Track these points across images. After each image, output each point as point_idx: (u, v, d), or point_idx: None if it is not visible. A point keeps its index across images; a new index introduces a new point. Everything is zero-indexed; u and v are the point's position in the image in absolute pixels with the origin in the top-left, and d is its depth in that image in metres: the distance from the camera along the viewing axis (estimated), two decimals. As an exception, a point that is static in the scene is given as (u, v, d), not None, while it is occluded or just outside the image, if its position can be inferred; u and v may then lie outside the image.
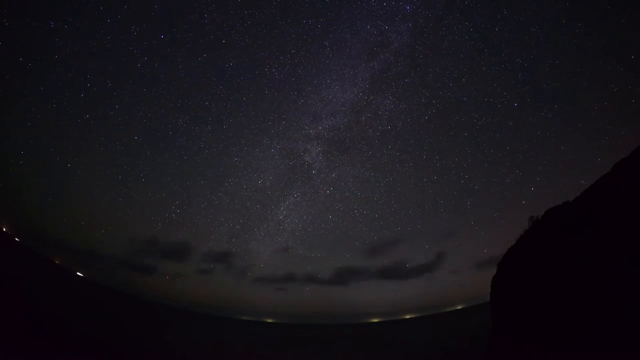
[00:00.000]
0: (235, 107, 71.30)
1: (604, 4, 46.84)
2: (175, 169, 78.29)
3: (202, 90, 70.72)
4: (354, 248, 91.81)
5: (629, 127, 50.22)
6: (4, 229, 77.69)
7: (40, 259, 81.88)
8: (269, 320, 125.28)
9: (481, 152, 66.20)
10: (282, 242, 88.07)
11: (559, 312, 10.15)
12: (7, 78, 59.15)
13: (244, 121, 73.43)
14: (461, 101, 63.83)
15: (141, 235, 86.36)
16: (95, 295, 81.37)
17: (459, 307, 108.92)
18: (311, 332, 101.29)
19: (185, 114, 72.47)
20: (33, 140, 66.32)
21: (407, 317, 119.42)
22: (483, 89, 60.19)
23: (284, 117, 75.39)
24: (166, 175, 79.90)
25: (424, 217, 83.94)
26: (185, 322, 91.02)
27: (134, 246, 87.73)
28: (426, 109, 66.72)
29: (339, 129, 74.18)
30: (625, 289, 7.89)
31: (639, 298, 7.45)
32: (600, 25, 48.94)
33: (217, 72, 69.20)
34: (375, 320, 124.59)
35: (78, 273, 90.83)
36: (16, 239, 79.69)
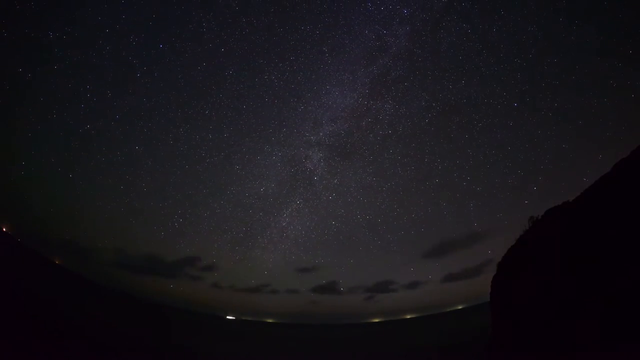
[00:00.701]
0: (235, 115, 71.65)
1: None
2: (176, 178, 78.40)
3: (202, 99, 70.99)
4: (357, 253, 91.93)
5: (629, 122, 50.32)
6: (4, 229, 77.80)
7: (41, 259, 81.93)
8: (269, 321, 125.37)
9: (482, 153, 66.21)
10: (286, 249, 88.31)
11: (558, 312, 10.14)
12: (7, 89, 59.45)
13: (244, 129, 73.72)
14: (461, 103, 63.81)
15: (144, 243, 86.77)
16: (96, 296, 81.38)
17: (459, 307, 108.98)
18: (311, 332, 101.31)
19: (186, 123, 72.66)
20: (34, 150, 66.63)
21: (408, 317, 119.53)
22: (482, 90, 60.22)
23: (285, 124, 75.56)
24: (168, 184, 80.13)
25: (427, 221, 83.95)
26: (185, 322, 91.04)
27: (136, 253, 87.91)
28: (426, 112, 66.93)
29: (340, 135, 74.16)
30: (625, 289, 7.88)
31: (638, 298, 7.45)
32: (597, 21, 49.16)
33: (217, 80, 69.56)
34: (376, 320, 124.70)
35: (78, 273, 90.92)
36: (18, 239, 79.87)
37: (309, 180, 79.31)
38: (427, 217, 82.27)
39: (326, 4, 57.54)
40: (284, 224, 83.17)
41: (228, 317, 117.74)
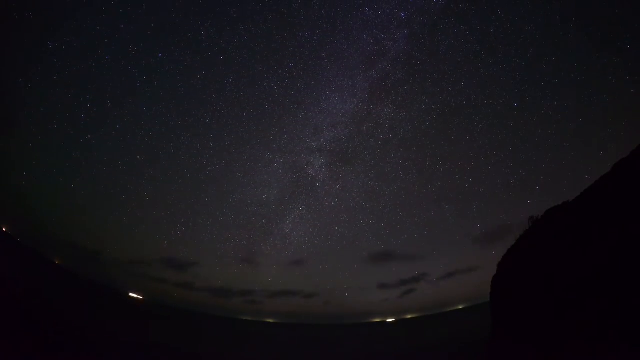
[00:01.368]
0: (236, 123, 71.60)
1: (598, -5, 47.17)
2: (179, 186, 78.67)
3: (202, 107, 71.20)
4: (361, 258, 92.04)
5: (629, 117, 50.46)
6: (4, 229, 77.85)
7: (41, 259, 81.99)
8: (269, 321, 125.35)
9: (484, 154, 66.14)
10: (289, 256, 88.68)
11: (558, 312, 10.15)
12: (7, 99, 59.78)
13: (245, 136, 73.94)
14: (461, 105, 63.87)
15: (147, 252, 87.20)
16: (96, 296, 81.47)
17: (459, 307, 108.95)
18: (312, 332, 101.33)
19: (187, 132, 72.92)
20: (35, 161, 66.80)
21: (409, 317, 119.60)
22: (482, 92, 60.30)
23: (286, 130, 75.49)
24: (170, 193, 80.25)
25: (430, 224, 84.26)
26: (185, 322, 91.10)
27: (139, 261, 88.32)
28: (427, 115, 66.90)
29: (341, 140, 74.02)
30: (625, 289, 7.88)
31: (639, 298, 7.45)
32: (594, 17, 49.32)
33: (217, 88, 69.61)
34: (377, 320, 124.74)
35: (78, 273, 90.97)
36: (18, 239, 79.93)
37: (311, 187, 79.44)
38: (430, 219, 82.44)
39: (324, 9, 58.01)
40: (287, 230, 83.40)
41: (228, 317, 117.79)
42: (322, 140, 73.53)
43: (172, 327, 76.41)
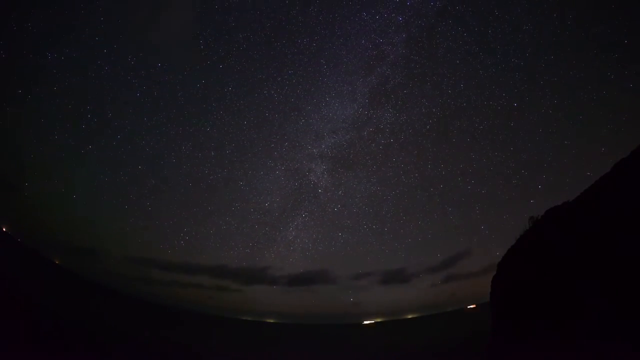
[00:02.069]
0: (237, 131, 71.55)
1: (593, -8, 47.16)
2: (181, 196, 78.83)
3: (202, 117, 71.49)
4: (365, 263, 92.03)
5: (629, 113, 50.48)
6: (4, 229, 77.80)
7: (41, 259, 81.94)
8: (270, 321, 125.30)
9: (485, 155, 66.07)
10: (293, 263, 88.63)
11: (558, 312, 10.15)
12: (7, 110, 59.76)
13: (246, 145, 74.17)
14: (461, 107, 63.93)
15: (150, 261, 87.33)
16: (96, 296, 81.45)
17: (459, 307, 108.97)
18: (312, 332, 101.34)
19: (188, 141, 73.02)
20: (36, 172, 66.97)
21: (409, 316, 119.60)
22: (482, 93, 60.32)
23: (286, 138, 75.76)
24: (173, 202, 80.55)
25: (434, 227, 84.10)
26: (185, 322, 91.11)
27: (141, 268, 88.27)
28: (427, 118, 66.87)
29: (342, 146, 74.34)
30: (626, 289, 7.88)
31: (639, 298, 7.45)
32: (591, 14, 49.33)
33: (217, 97, 69.76)
34: (378, 320, 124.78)
35: (78, 273, 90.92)
36: (18, 239, 79.83)
37: (314, 193, 79.40)
38: (434, 222, 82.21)
39: (322, 15, 58.07)
40: (290, 237, 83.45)
41: (227, 317, 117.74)
42: (323, 146, 73.90)
43: (172, 327, 76.43)
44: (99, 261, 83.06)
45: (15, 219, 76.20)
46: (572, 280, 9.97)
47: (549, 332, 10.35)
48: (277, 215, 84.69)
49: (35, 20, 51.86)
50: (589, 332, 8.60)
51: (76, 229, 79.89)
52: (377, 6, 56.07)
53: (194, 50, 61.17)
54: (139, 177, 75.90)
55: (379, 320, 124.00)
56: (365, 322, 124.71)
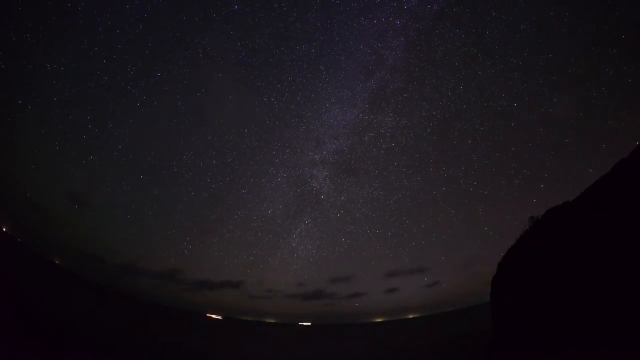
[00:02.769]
0: (238, 140, 71.16)
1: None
2: (183, 205, 78.41)
3: (203, 125, 71.32)
4: (369, 268, 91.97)
5: (629, 108, 50.48)
6: (4, 229, 77.74)
7: (41, 259, 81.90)
8: (270, 321, 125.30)
9: (487, 157, 65.89)
10: (297, 269, 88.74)
11: (558, 313, 10.15)
12: (8, 121, 59.78)
13: (248, 153, 73.85)
14: (461, 109, 63.70)
15: (154, 270, 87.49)
16: (96, 296, 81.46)
17: (459, 307, 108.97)
18: (312, 332, 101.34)
19: (189, 150, 72.79)
20: (38, 183, 66.90)
21: (410, 316, 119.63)
22: (481, 94, 60.18)
23: (288, 145, 75.29)
24: (175, 212, 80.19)
25: (437, 230, 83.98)
26: (185, 322, 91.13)
27: (145, 275, 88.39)
28: (427, 121, 66.75)
29: (344, 152, 73.61)
30: (626, 289, 7.88)
31: (639, 298, 7.45)
32: (587, 10, 49.31)
33: (217, 105, 69.83)
34: (379, 320, 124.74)
35: (78, 273, 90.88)
36: (18, 239, 79.79)
37: (316, 199, 79.13)
38: (437, 225, 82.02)
39: (320, 22, 58.09)
40: (293, 244, 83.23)
41: (227, 317, 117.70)
42: (324, 152, 73.19)
43: (172, 327, 76.45)
44: (102, 266, 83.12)
45: (15, 219, 76.31)
46: (572, 280, 9.97)
47: (549, 332, 10.35)
48: (280, 222, 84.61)
49: (34, 30, 52.08)
50: (588, 332, 8.60)
51: (79, 235, 79.94)
52: (374, 11, 56.00)
53: (192, 59, 61.38)
54: (141, 186, 75.85)
55: (379, 320, 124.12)
56: (366, 322, 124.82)
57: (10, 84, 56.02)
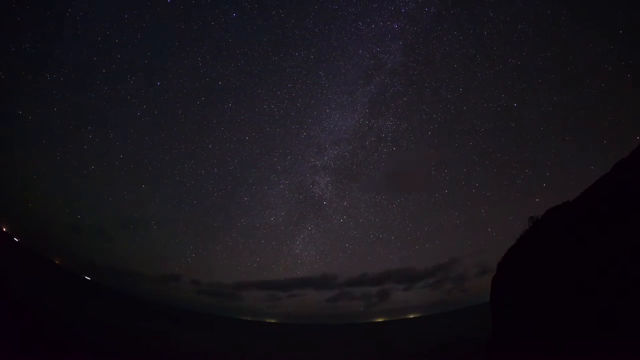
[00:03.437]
0: (239, 147, 71.82)
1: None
2: (186, 214, 78.97)
3: (204, 134, 71.22)
4: (374, 273, 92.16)
5: (629, 102, 50.46)
6: (4, 229, 77.84)
7: (41, 259, 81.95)
8: (271, 321, 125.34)
9: (488, 158, 65.79)
10: (301, 276, 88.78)
11: (558, 312, 10.14)
12: (9, 131, 59.96)
13: (249, 160, 74.11)
14: (461, 111, 63.64)
15: (160, 280, 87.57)
16: (96, 296, 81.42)
17: (459, 307, 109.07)
18: (312, 332, 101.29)
19: (190, 159, 73.04)
20: (40, 193, 67.18)
21: (411, 316, 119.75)
22: (481, 95, 60.17)
23: (289, 151, 75.58)
24: (178, 220, 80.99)
25: (441, 232, 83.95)
26: (185, 322, 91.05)
27: (150, 287, 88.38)
28: (428, 124, 66.59)
29: (345, 157, 74.28)
30: (626, 289, 7.87)
31: (639, 298, 7.44)
32: (584, 7, 49.50)
33: (217, 114, 69.73)
34: (379, 319, 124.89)
35: (78, 273, 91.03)
36: (16, 239, 79.86)
37: (319, 206, 79.20)
38: (441, 228, 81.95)
39: (318, 28, 58.07)
40: (297, 251, 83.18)
41: (227, 317, 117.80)
42: (326, 158, 73.55)
43: (173, 327, 76.38)
44: (104, 269, 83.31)
45: (15, 219, 76.50)
46: (572, 280, 9.96)
47: (549, 332, 10.34)
48: (283, 229, 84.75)
49: (33, 41, 52.13)
50: (588, 332, 8.59)
51: (83, 245, 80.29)
52: (372, 15, 56.08)
53: (192, 68, 61.26)
54: (144, 196, 76.31)
55: (380, 320, 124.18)
56: (367, 322, 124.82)
57: (11, 94, 56.18)
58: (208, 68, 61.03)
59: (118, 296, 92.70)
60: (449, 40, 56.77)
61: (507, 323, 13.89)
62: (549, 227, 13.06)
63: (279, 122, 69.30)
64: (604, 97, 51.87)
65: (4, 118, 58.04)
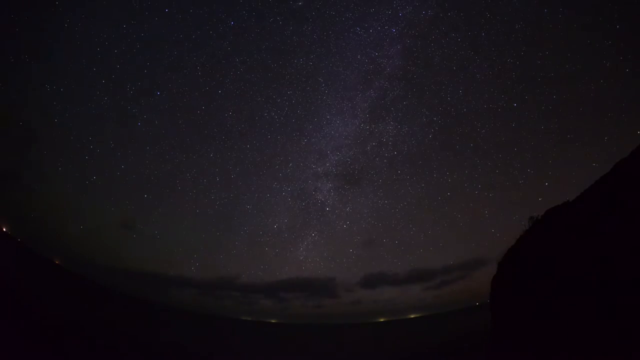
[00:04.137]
0: (240, 156, 71.32)
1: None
2: (188, 223, 79.20)
3: (205, 143, 71.66)
4: (378, 277, 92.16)
5: (629, 98, 50.63)
6: (4, 229, 77.82)
7: (41, 259, 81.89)
8: (272, 321, 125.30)
9: (490, 159, 65.97)
10: (305, 282, 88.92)
11: (558, 313, 10.14)
12: (10, 143, 60.78)
13: (251, 168, 74.34)
14: (461, 113, 63.66)
15: (162, 289, 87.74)
16: (97, 296, 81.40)
17: (460, 307, 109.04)
18: (312, 332, 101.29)
19: (192, 168, 73.41)
20: (43, 204, 67.43)
21: (412, 316, 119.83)
22: (481, 97, 60.12)
23: (290, 159, 75.92)
24: (181, 230, 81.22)
25: (444, 235, 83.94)
26: (185, 322, 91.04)
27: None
28: (429, 127, 66.86)
29: (347, 163, 73.71)
30: (625, 290, 7.87)
31: (639, 299, 7.43)
32: (580, 2, 49.48)
33: (218, 122, 70.07)
34: (381, 319, 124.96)
35: (78, 273, 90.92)
36: (18, 239, 79.84)
37: (321, 212, 79.15)
38: (444, 231, 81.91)
39: (316, 34, 58.28)
40: (301, 258, 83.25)
41: (227, 317, 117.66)
42: (327, 164, 74.03)
43: (173, 327, 76.38)
44: (106, 272, 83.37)
45: (15, 219, 76.57)
46: (572, 280, 9.96)
47: (549, 332, 10.34)
48: (287, 236, 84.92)
49: (32, 52, 52.30)
50: (588, 332, 8.59)
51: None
52: (370, 20, 56.13)
53: (191, 77, 61.51)
54: (146, 206, 76.57)
55: (381, 320, 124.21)
56: (368, 322, 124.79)
57: (10, 105, 56.26)
58: (207, 77, 61.88)
59: (118, 296, 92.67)
60: (447, 43, 56.98)
61: (507, 323, 13.88)
62: (549, 227, 13.06)
63: (279, 130, 69.60)
64: (604, 93, 51.98)
65: (4, 130, 58.27)
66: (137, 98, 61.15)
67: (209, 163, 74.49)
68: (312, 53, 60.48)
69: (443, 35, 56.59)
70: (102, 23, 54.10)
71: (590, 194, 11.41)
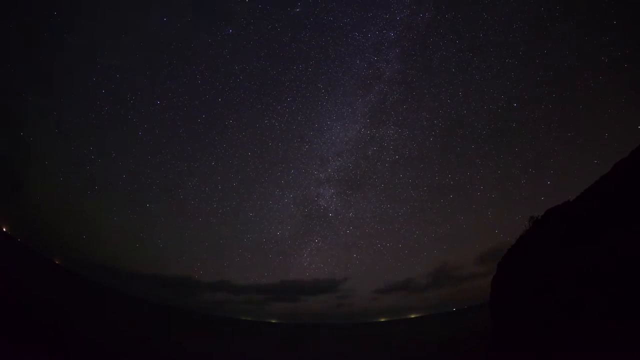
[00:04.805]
0: (242, 163, 71.03)
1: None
2: (191, 231, 78.69)
3: (206, 151, 70.74)
4: (382, 282, 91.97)
5: (628, 93, 50.22)
6: (4, 229, 77.86)
7: (41, 259, 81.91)
8: (272, 321, 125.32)
9: (491, 160, 65.49)
10: (308, 286, 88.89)
11: (558, 312, 10.13)
12: (11, 153, 60.20)
13: (253, 176, 73.60)
14: (462, 115, 63.31)
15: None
16: (96, 296, 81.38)
17: (460, 307, 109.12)
18: (312, 332, 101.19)
19: (194, 177, 73.10)
20: (43, 214, 67.31)
21: (412, 316, 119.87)
22: (480, 98, 59.87)
23: (292, 165, 74.83)
24: (183, 238, 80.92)
25: (448, 238, 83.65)
26: (185, 322, 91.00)
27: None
28: (429, 130, 66.23)
29: (348, 168, 73.27)
30: (625, 290, 7.87)
31: (639, 298, 7.44)
32: (577, 2, 49.29)
33: (218, 130, 69.54)
34: (381, 319, 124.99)
35: (78, 273, 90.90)
36: (18, 239, 79.91)
37: (324, 218, 78.76)
38: (447, 234, 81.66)
39: (314, 40, 58.08)
40: (305, 264, 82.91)
41: (227, 317, 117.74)
42: (329, 170, 73.34)
43: (173, 327, 76.32)
44: (108, 274, 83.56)
45: (15, 219, 76.65)
46: (572, 280, 9.96)
47: (549, 333, 10.34)
48: (290, 243, 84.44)
49: (31, 62, 52.52)
50: (588, 332, 8.58)
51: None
52: (368, 25, 55.92)
53: (191, 86, 61.08)
54: (148, 215, 76.37)
55: (381, 320, 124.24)
56: (368, 322, 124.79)
57: (11, 116, 56.29)
58: (207, 85, 60.82)
59: (118, 295, 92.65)
60: (445, 45, 56.85)
61: (507, 323, 13.89)
62: (549, 227, 13.06)
63: (280, 137, 69.10)
64: (603, 89, 51.80)
65: (5, 141, 58.36)
66: (138, 107, 61.09)
67: (211, 171, 73.60)
68: (311, 59, 60.34)
69: (441, 37, 56.54)
70: (101, 34, 54.19)
71: (590, 194, 11.41)
